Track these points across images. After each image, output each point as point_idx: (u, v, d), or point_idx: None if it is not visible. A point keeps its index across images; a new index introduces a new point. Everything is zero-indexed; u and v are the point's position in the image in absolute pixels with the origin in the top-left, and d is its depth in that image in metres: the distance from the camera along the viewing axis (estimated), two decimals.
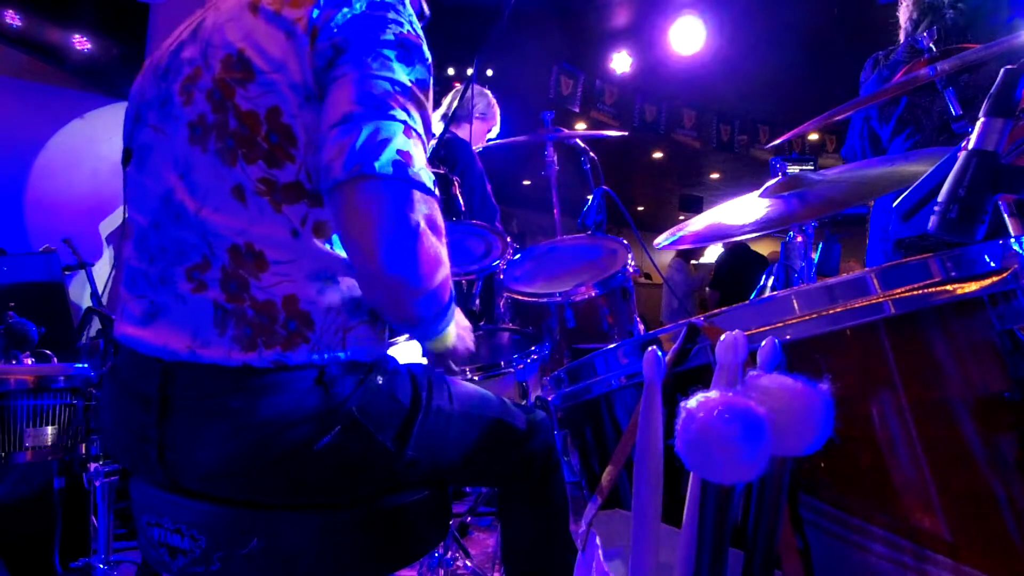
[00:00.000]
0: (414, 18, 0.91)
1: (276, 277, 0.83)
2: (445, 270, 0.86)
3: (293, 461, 0.84)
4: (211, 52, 0.86)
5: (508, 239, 2.02)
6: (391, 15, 0.86)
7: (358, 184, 0.77)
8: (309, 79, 0.83)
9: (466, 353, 1.07)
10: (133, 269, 0.91)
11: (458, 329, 1.03)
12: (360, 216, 0.78)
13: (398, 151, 0.79)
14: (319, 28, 0.83)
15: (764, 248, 6.62)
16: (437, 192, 0.85)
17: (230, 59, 0.84)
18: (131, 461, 0.93)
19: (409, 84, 0.85)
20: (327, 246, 0.86)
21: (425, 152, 0.85)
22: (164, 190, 0.87)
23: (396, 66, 0.84)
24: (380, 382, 0.91)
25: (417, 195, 0.81)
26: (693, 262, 6.85)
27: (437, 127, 2.84)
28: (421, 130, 0.85)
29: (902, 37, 1.97)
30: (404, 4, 0.90)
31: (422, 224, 0.81)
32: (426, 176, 0.82)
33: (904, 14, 1.96)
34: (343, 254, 0.86)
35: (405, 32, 0.87)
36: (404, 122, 0.82)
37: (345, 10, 0.84)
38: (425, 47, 0.90)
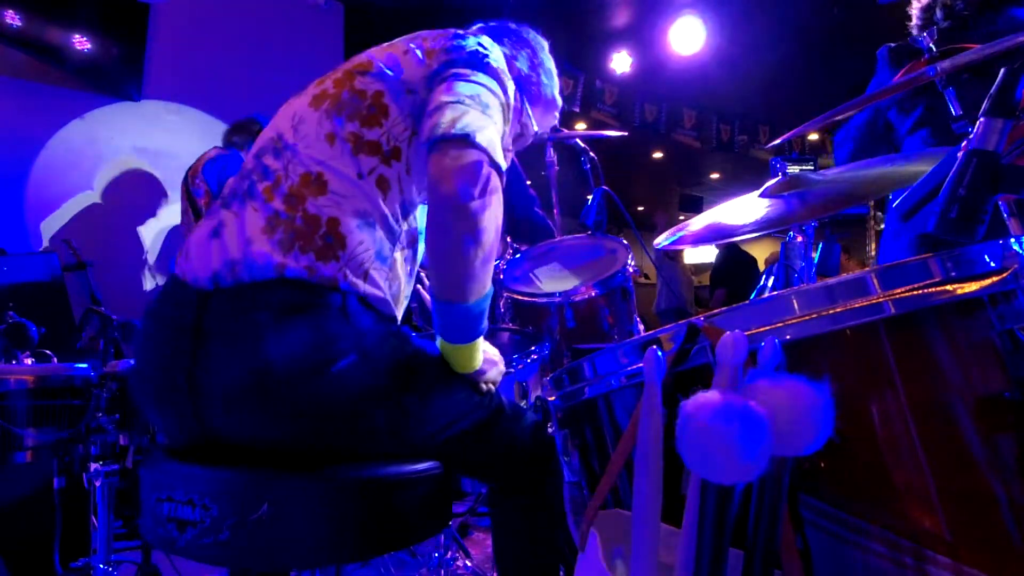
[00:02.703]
0: (505, 68, 1.14)
1: (330, 202, 0.99)
2: (495, 243, 0.99)
3: (310, 380, 0.91)
4: (355, 59, 1.13)
5: (508, 239, 2.02)
6: (489, 59, 1.10)
7: (460, 143, 0.96)
8: (418, 77, 1.06)
9: (498, 376, 1.14)
10: (225, 192, 1.08)
11: (487, 355, 1.10)
12: (453, 163, 0.94)
13: (490, 139, 0.99)
14: (437, 51, 1.09)
15: (764, 248, 6.62)
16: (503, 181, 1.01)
17: (363, 62, 1.11)
18: (159, 395, 0.99)
19: (502, 98, 1.08)
20: (381, 199, 1.02)
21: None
22: (277, 134, 1.08)
23: (495, 81, 1.08)
24: (395, 332, 1.02)
25: (494, 171, 0.98)
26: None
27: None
28: (501, 131, 1.06)
29: (916, 31, 1.96)
30: (499, 57, 1.14)
31: (491, 189, 0.96)
32: (502, 163, 1.00)
33: (917, 7, 1.95)
34: (388, 212, 1.03)
35: (499, 68, 1.11)
36: (496, 123, 1.03)
37: (459, 44, 1.10)
38: (511, 84, 1.14)
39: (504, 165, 1.01)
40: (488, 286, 1.01)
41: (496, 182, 0.98)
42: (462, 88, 1.02)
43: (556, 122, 1.46)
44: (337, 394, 0.93)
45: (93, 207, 4.93)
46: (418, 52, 1.09)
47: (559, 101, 1.42)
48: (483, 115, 1.00)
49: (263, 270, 0.94)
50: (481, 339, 1.06)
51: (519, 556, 1.14)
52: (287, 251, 0.94)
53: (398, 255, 1.05)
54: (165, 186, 5.24)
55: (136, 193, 5.17)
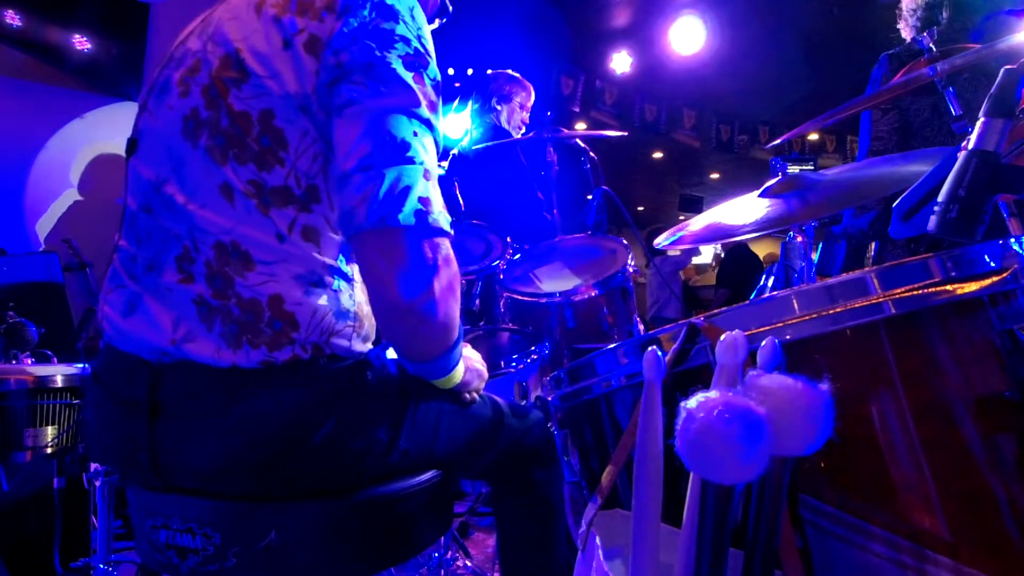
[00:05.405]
0: (424, 28, 0.90)
1: (262, 276, 0.84)
2: (456, 304, 0.88)
3: (290, 458, 0.85)
4: (211, 47, 0.87)
5: (508, 239, 2.02)
6: (400, 29, 0.85)
7: (383, 235, 0.80)
8: (308, 90, 0.83)
9: (481, 384, 1.08)
10: (121, 254, 0.91)
11: (467, 364, 1.03)
12: (383, 260, 0.81)
13: (419, 199, 0.82)
14: (324, 41, 0.82)
15: (764, 248, 6.61)
16: (452, 233, 0.87)
17: (228, 58, 0.84)
18: (122, 466, 0.92)
19: (425, 113, 0.85)
20: (315, 251, 0.87)
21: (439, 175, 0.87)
22: (156, 178, 0.87)
23: (411, 88, 0.84)
24: (370, 377, 0.92)
25: (436, 239, 0.84)
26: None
27: (456, 130, 2.81)
28: (435, 164, 0.87)
29: (906, 34, 1.96)
30: (413, 17, 0.88)
31: (439, 261, 0.84)
32: (443, 220, 0.85)
33: (907, 13, 1.96)
34: (330, 260, 0.88)
35: (414, 48, 0.86)
36: (422, 163, 0.83)
37: (353, 22, 0.83)
38: (434, 62, 0.89)
39: (446, 220, 0.86)
40: (454, 334, 0.90)
41: (442, 250, 0.84)
42: (367, 134, 0.81)
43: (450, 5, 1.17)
44: (324, 462, 0.87)
45: (93, 207, 4.93)
46: (297, 45, 0.82)
47: None
48: (403, 165, 0.81)
49: (211, 360, 0.83)
50: (461, 360, 0.98)
51: (523, 557, 1.13)
52: (235, 347, 0.82)
53: (359, 295, 0.93)
54: None
55: None
